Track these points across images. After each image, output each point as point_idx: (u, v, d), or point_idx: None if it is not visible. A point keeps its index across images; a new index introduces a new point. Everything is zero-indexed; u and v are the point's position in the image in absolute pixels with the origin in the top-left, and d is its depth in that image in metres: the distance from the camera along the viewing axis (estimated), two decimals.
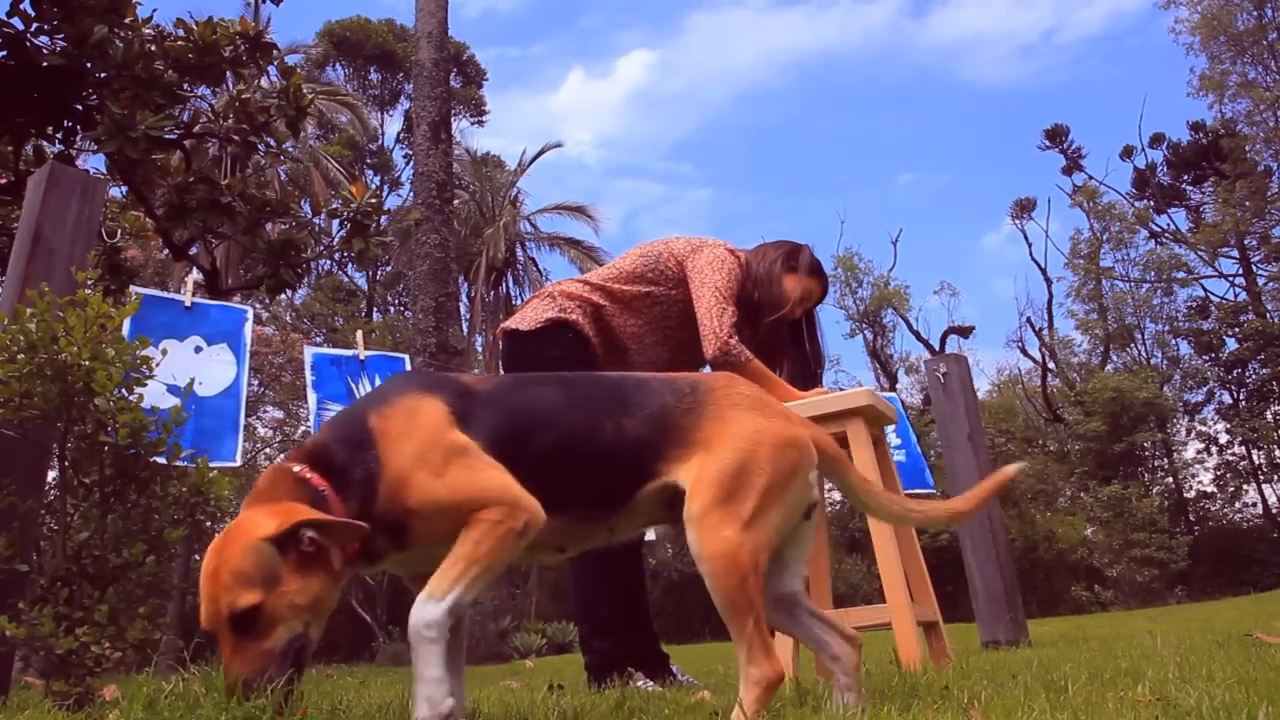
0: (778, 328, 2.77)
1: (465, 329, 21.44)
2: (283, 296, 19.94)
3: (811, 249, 2.91)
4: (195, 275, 6.42)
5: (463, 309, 21.81)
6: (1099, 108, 50.28)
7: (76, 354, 2.03)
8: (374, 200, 5.68)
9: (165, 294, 3.72)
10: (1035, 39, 49.02)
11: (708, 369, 2.90)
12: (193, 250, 6.32)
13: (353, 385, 3.89)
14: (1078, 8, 47.35)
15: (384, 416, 1.46)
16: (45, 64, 4.32)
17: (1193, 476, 27.45)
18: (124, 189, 5.75)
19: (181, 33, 4.75)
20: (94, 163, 6.95)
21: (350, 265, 24.46)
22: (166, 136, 4.68)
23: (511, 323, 2.80)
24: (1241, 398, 27.01)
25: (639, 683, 2.49)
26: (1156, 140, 29.80)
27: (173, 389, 3.01)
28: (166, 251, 7.29)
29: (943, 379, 4.46)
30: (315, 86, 19.86)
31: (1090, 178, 30.06)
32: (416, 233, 7.19)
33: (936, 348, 27.10)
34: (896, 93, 51.70)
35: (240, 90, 5.12)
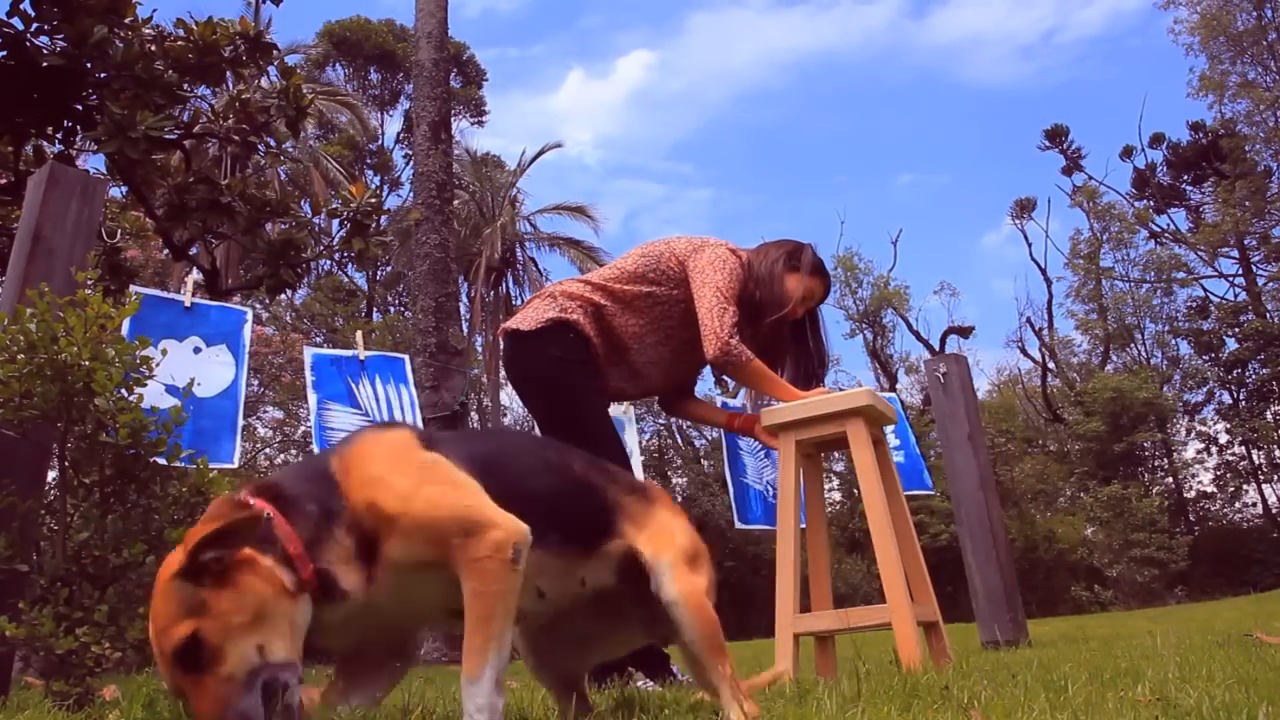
0: (779, 327, 2.76)
1: (465, 329, 21.43)
2: (283, 297, 19.94)
3: (814, 248, 2.90)
4: (195, 275, 6.42)
5: (463, 309, 21.80)
6: (1099, 108, 50.33)
7: (76, 354, 2.03)
8: (374, 200, 5.68)
9: (165, 294, 3.72)
10: (1035, 39, 49.07)
11: (709, 368, 2.91)
12: (193, 250, 6.32)
13: (352, 385, 3.89)
14: (1077, 8, 47.38)
15: (344, 455, 1.42)
16: (45, 64, 4.32)
17: (1193, 476, 27.48)
18: (124, 189, 5.75)
19: (181, 33, 4.75)
20: (94, 163, 6.95)
21: (350, 265, 24.45)
22: (166, 136, 4.68)
23: (512, 323, 2.80)
24: (1241, 398, 27.01)
25: (639, 683, 2.49)
26: (1156, 140, 29.80)
27: (172, 389, 3.01)
28: (166, 251, 7.29)
29: (943, 379, 4.46)
30: (315, 86, 19.86)
31: (1090, 178, 30.08)
32: (416, 233, 7.19)
33: (936, 348, 27.11)
34: (896, 93, 51.75)
35: (240, 90, 5.12)
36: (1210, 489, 27.66)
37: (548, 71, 55.09)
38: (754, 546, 25.59)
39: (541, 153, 26.86)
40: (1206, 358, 27.52)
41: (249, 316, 3.67)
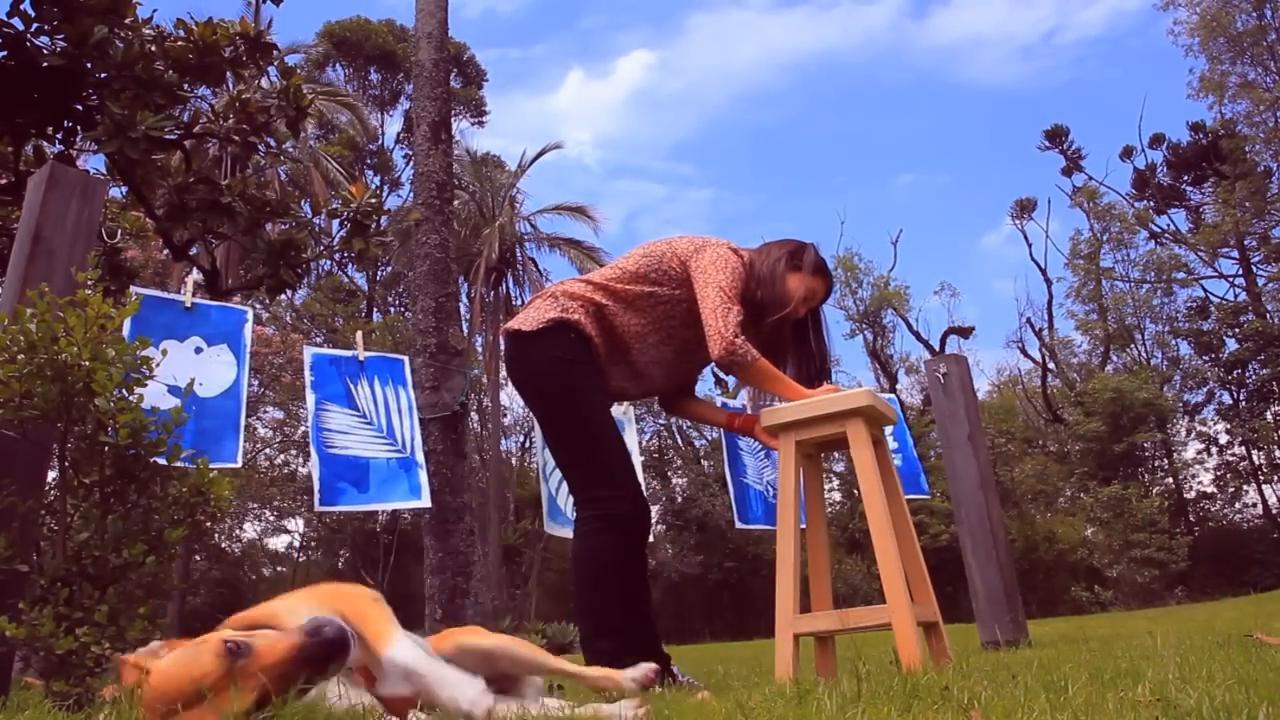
0: (781, 327, 2.76)
1: (465, 329, 21.42)
2: (283, 297, 19.93)
3: (816, 247, 2.90)
4: (195, 275, 6.42)
5: (463, 309, 21.79)
6: (1099, 108, 50.37)
7: (76, 354, 2.03)
8: (374, 200, 5.67)
9: (165, 294, 3.71)
10: (1035, 40, 49.09)
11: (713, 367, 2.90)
12: (193, 250, 6.32)
13: (351, 386, 3.89)
14: (1078, 9, 47.41)
15: None
16: (45, 64, 4.32)
17: (1193, 477, 27.50)
18: (124, 189, 5.74)
19: (181, 33, 4.75)
20: (94, 163, 6.94)
21: (350, 265, 24.48)
22: (166, 137, 4.67)
23: (514, 323, 2.79)
24: (1241, 398, 27.02)
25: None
26: (1156, 141, 29.83)
27: (173, 389, 3.01)
28: (166, 252, 7.29)
29: (943, 379, 4.45)
30: (315, 87, 19.86)
31: (1090, 178, 30.10)
32: (416, 233, 7.18)
33: (936, 348, 27.12)
34: (896, 93, 51.78)
35: (240, 90, 5.12)
36: (1210, 489, 27.70)
37: (548, 72, 55.16)
38: (754, 546, 25.60)
39: (542, 153, 26.87)
40: (1206, 358, 27.54)
41: (249, 316, 3.67)
